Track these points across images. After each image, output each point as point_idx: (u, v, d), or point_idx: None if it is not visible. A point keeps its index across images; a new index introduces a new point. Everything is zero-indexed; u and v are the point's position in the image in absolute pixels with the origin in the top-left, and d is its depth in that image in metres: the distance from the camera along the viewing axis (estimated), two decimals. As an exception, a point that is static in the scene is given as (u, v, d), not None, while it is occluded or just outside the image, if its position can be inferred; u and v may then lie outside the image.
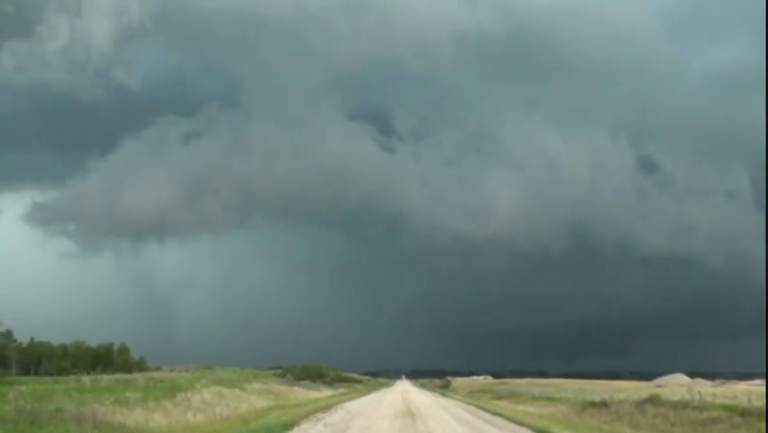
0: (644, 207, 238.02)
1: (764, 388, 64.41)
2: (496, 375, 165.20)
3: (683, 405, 33.35)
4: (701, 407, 31.47)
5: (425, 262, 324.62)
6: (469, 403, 50.93)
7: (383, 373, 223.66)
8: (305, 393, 65.75)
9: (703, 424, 28.05)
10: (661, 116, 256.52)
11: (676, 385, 74.48)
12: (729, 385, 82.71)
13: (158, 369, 74.02)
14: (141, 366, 71.19)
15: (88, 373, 50.27)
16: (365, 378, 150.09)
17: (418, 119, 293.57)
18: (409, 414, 32.92)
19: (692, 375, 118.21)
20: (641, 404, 36.60)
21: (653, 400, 37.16)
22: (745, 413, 27.06)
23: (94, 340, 69.20)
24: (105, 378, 44.25)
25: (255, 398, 46.95)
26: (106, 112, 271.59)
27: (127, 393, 31.54)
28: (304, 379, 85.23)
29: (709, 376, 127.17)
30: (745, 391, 38.47)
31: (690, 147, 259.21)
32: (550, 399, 54.03)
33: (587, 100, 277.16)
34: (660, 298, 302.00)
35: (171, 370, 74.56)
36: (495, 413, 36.14)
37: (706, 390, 48.81)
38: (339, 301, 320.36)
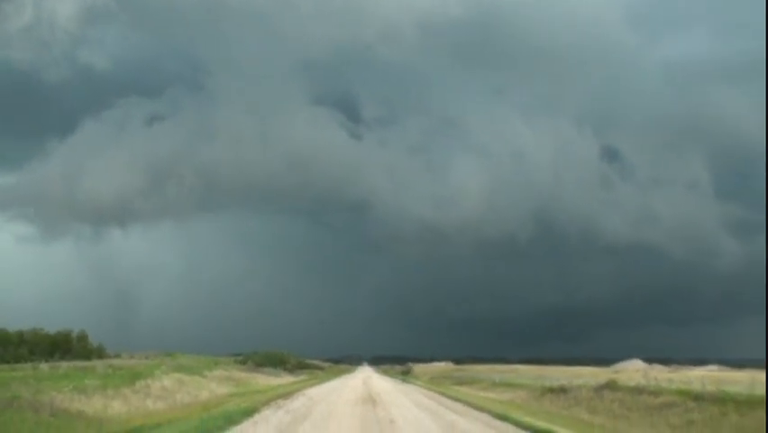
0: (608, 197, 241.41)
1: (719, 374, 65.76)
2: (457, 361, 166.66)
3: (639, 390, 33.93)
4: (657, 392, 32.04)
5: (390, 249, 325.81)
6: (429, 389, 51.31)
7: (345, 360, 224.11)
8: (266, 380, 65.64)
9: (658, 408, 28.57)
10: (623, 106, 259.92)
11: (633, 371, 75.83)
12: (684, 371, 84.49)
13: (117, 356, 73.19)
14: (100, 353, 70.24)
15: (46, 361, 49.55)
16: (327, 365, 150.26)
17: (385, 106, 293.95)
18: (370, 400, 33.06)
19: (649, 361, 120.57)
20: (598, 390, 37.16)
21: (611, 385, 37.75)
22: (698, 398, 27.62)
23: (52, 327, 68.06)
24: (64, 365, 43.65)
25: (216, 385, 46.76)
26: (69, 93, 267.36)
27: (86, 381, 31.22)
28: (265, 366, 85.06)
29: (665, 362, 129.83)
30: (699, 377, 39.30)
31: (651, 137, 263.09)
32: (510, 384, 54.63)
33: (552, 89, 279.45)
34: (621, 286, 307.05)
35: (131, 357, 73.84)
36: (455, 399, 36.46)
37: (662, 375, 49.80)
38: (302, 289, 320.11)
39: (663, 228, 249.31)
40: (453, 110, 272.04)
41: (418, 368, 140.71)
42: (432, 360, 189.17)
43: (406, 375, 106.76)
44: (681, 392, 30.05)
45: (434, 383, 71.04)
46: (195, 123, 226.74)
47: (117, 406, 28.34)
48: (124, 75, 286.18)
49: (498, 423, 22.50)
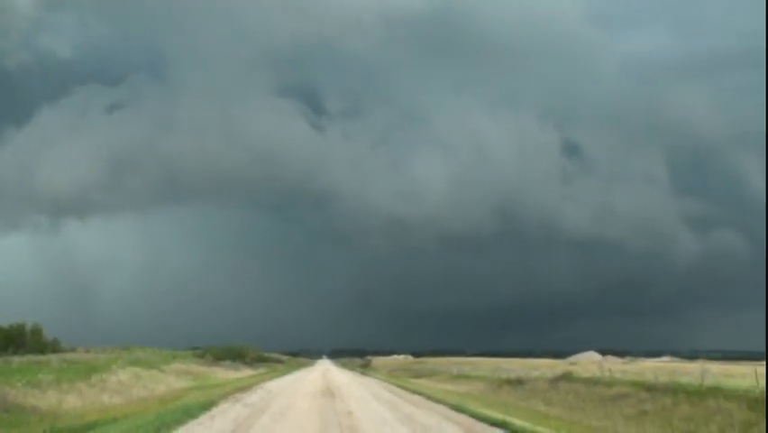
0: (569, 192, 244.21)
1: (671, 365, 67.01)
2: (416, 354, 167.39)
3: (594, 382, 34.55)
4: (611, 383, 32.65)
5: (353, 243, 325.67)
6: (388, 382, 51.51)
7: (304, 353, 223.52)
8: (224, 374, 65.29)
9: (612, 399, 29.11)
10: (584, 101, 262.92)
11: (588, 363, 77.05)
12: (638, 362, 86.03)
13: (73, 350, 72.07)
14: (55, 347, 69.07)
15: (-1, 355, 48.66)
16: (286, 358, 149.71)
17: (349, 98, 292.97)
18: (329, 393, 33.11)
19: (604, 353, 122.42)
20: (554, 381, 37.74)
21: (566, 377, 38.38)
22: (651, 389, 28.20)
23: (5, 320, 66.80)
24: (17, 359, 42.95)
25: (173, 379, 46.41)
26: (28, 79, 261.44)
27: (40, 375, 30.78)
28: (224, 359, 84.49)
29: (620, 354, 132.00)
30: (652, 368, 40.11)
31: (611, 133, 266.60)
32: (467, 377, 55.14)
33: (514, 83, 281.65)
34: (581, 280, 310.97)
35: (87, 351, 72.79)
36: (413, 391, 36.67)
37: (616, 367, 50.64)
38: (263, 282, 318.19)
39: (622, 223, 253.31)
40: (417, 103, 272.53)
41: (377, 361, 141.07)
42: (391, 353, 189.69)
43: (365, 368, 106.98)
44: (635, 383, 30.66)
45: (393, 376, 71.34)
46: (156, 113, 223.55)
47: (72, 401, 28.01)
48: (84, 62, 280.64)
49: (455, 414, 22.72)
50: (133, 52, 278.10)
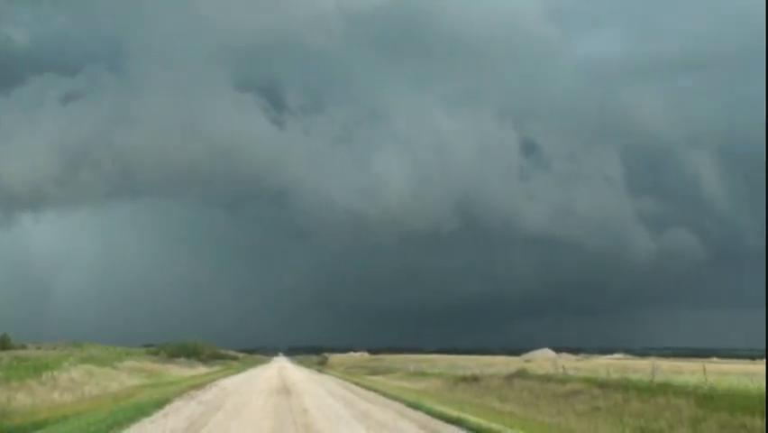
0: (527, 190, 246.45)
1: (624, 362, 68.04)
2: (372, 351, 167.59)
3: (548, 378, 34.94)
4: (564, 380, 33.07)
5: (312, 239, 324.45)
6: (344, 379, 51.51)
7: (260, 350, 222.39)
8: (179, 371, 64.61)
9: (565, 396, 29.47)
10: (541, 100, 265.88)
11: (543, 360, 77.98)
12: (591, 359, 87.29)
13: (23, 347, 70.87)
14: (4, 344, 67.84)
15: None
16: (242, 355, 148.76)
17: (310, 94, 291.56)
18: (285, 390, 33.01)
19: (558, 350, 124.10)
20: (509, 378, 38.08)
21: (521, 374, 38.74)
22: (603, 385, 28.62)
23: (-47, 316, 65.41)
24: (-36, 357, 42.08)
25: (126, 376, 45.78)
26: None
27: (-12, 373, 30.16)
28: (178, 356, 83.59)
29: (574, 351, 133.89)
30: (605, 365, 40.70)
31: (568, 132, 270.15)
32: (424, 374, 55.35)
33: (473, 81, 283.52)
34: (538, 278, 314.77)
35: (38, 348, 71.60)
36: (369, 388, 36.74)
37: (570, 364, 51.37)
38: (219, 279, 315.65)
39: (579, 221, 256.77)
40: (377, 100, 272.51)
41: (334, 358, 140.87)
42: (348, 350, 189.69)
43: (321, 365, 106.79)
44: (588, 380, 31.10)
45: (350, 373, 71.33)
46: (113, 106, 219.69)
47: (22, 398, 27.45)
48: (41, 52, 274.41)
49: (411, 411, 22.82)
50: (91, 43, 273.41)
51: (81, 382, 35.51)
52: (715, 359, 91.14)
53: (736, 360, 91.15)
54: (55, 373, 35.05)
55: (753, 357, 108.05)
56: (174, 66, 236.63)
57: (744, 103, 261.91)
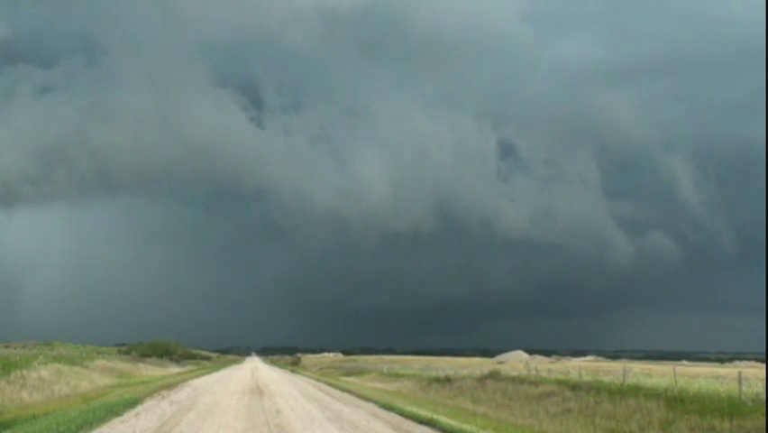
0: (505, 192, 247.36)
1: (596, 364, 68.54)
2: (346, 352, 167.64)
3: (521, 380, 35.14)
4: (537, 382, 33.28)
5: (289, 240, 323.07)
6: (318, 380, 51.42)
7: (233, 351, 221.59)
8: (151, 371, 64.12)
9: (538, 398, 29.68)
10: (518, 103, 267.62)
11: (516, 361, 78.35)
12: (563, 361, 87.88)
13: (-10, 345, 69.93)
14: (-28, 343, 66.96)
15: None
16: (215, 355, 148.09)
17: (288, 93, 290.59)
18: (258, 391, 32.87)
19: (532, 352, 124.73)
20: (482, 380, 38.23)
21: (494, 375, 38.92)
22: (575, 387, 28.86)
23: None
24: (-69, 355, 41.36)
25: (97, 376, 45.34)
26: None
27: (-45, 371, 29.72)
28: (150, 356, 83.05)
29: (547, 353, 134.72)
30: (577, 367, 40.96)
31: (545, 134, 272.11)
32: (397, 375, 55.42)
33: (451, 82, 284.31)
34: (514, 280, 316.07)
35: (6, 346, 70.59)
36: (343, 389, 36.71)
37: (542, 366, 51.66)
38: (193, 278, 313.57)
39: (556, 224, 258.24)
40: (356, 100, 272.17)
41: (307, 359, 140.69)
42: (322, 351, 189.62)
43: (295, 366, 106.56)
44: (560, 382, 31.34)
45: (323, 374, 71.24)
46: (89, 102, 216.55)
47: (-10, 398, 27.11)
48: (16, 42, 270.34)
49: (383, 412, 22.85)
50: (66, 37, 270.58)
51: (51, 382, 35.10)
52: (685, 362, 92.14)
53: (705, 363, 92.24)
54: (24, 371, 34.61)
55: (722, 360, 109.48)
56: (151, 61, 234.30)
57: (716, 107, 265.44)
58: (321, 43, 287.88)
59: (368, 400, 28.43)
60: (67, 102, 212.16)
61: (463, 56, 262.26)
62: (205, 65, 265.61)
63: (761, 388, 21.88)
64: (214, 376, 54.04)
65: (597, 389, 27.12)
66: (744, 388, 21.31)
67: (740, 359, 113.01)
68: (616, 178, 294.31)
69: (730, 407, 19.35)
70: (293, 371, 79.93)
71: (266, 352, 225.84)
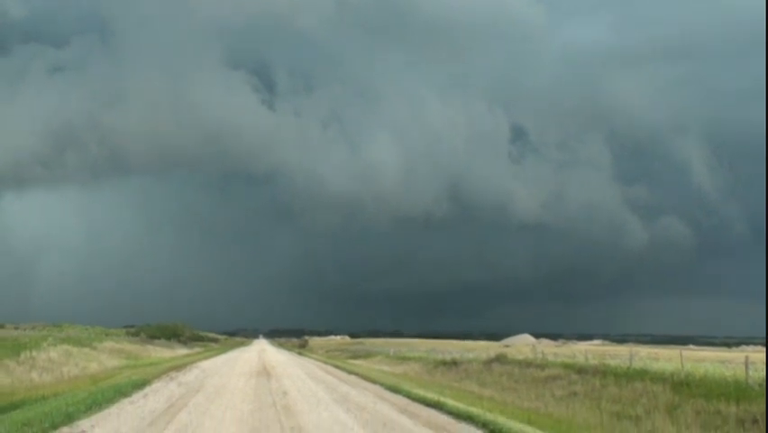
0: (517, 176, 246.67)
1: (602, 348, 68.58)
2: (353, 335, 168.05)
3: (527, 364, 35.23)
4: (543, 365, 33.35)
5: (300, 222, 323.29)
6: (325, 362, 51.60)
7: (241, 333, 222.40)
8: (159, 352, 64.51)
9: (544, 381, 29.75)
10: (530, 86, 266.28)
11: (522, 345, 78.40)
12: (570, 345, 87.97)
13: (2, 327, 70.40)
14: (-18, 324, 67.40)
15: None
16: (222, 337, 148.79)
17: (300, 76, 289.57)
18: (265, 373, 33.03)
19: (538, 336, 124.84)
20: (488, 363, 38.35)
21: (500, 359, 39.02)
22: (581, 370, 28.91)
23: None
24: (-59, 336, 41.75)
25: (106, 357, 45.65)
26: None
27: (-35, 352, 29.97)
28: (158, 338, 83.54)
29: (553, 337, 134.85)
30: (583, 351, 41.00)
31: (558, 118, 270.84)
32: (404, 358, 55.59)
33: (462, 65, 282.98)
34: (526, 265, 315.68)
35: (16, 328, 71.13)
36: (350, 372, 36.83)
37: (549, 349, 51.67)
38: (202, 261, 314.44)
39: (568, 208, 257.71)
40: (368, 83, 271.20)
41: (315, 341, 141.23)
42: (329, 333, 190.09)
43: (302, 348, 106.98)
44: (566, 366, 31.38)
45: (330, 357, 71.51)
46: (101, 84, 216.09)
47: (0, 378, 27.34)
48: (28, 22, 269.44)
49: (390, 395, 22.93)
50: (79, 19, 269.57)
51: (60, 363, 35.38)
52: (692, 346, 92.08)
53: (712, 347, 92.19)
54: (34, 353, 34.90)
55: (729, 345, 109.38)
56: (164, 43, 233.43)
57: (728, 92, 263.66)
58: (332, 26, 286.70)
59: (374, 382, 28.54)
60: (79, 83, 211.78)
61: (475, 39, 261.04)
62: (217, 47, 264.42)
63: (767, 372, 21.90)
64: (222, 358, 54.30)
65: (603, 372, 27.16)
66: (750, 372, 21.32)
67: (747, 343, 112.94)
68: (628, 162, 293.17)
69: (737, 391, 19.37)
70: (300, 353, 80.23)
71: (273, 334, 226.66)
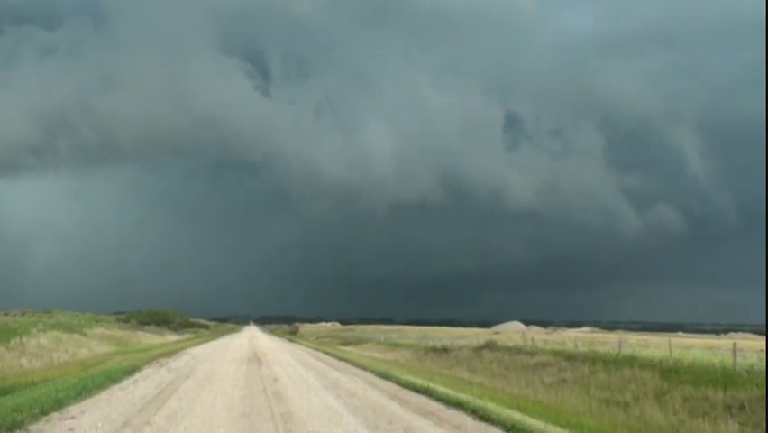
0: (511, 163, 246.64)
1: (591, 335, 68.81)
2: (344, 322, 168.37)
3: (517, 350, 35.36)
4: (533, 352, 33.48)
5: (291, 210, 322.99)
6: (315, 349, 51.70)
7: (231, 319, 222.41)
8: (149, 339, 64.44)
9: (534, 368, 29.88)
10: (524, 73, 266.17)
11: (512, 332, 78.75)
12: (560, 332, 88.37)
13: (-10, 312, 70.19)
14: (-29, 310, 67.13)
15: None
16: (212, 324, 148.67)
17: (295, 63, 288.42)
18: (255, 359, 33.07)
19: (528, 323, 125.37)
20: (478, 350, 38.47)
21: (490, 346, 39.14)
22: (571, 357, 29.04)
23: None
24: (-70, 322, 41.51)
25: (96, 343, 45.57)
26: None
27: (-46, 338, 29.85)
28: (149, 324, 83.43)
29: (543, 324, 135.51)
30: (573, 338, 41.20)
31: (552, 106, 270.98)
32: (394, 345, 55.73)
33: (458, 53, 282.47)
34: (519, 253, 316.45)
35: (5, 314, 70.91)
36: (340, 358, 36.91)
37: (539, 336, 51.91)
38: (193, 248, 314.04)
39: (562, 196, 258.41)
40: (364, 70, 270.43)
41: (306, 328, 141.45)
42: (319, 320, 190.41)
43: (293, 335, 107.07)
44: (556, 353, 31.51)
45: (321, 343, 71.64)
46: (93, 69, 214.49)
47: (-11, 364, 27.26)
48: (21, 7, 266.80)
49: (380, 381, 22.99)
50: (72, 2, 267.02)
51: (50, 349, 35.29)
52: (681, 333, 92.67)
53: (701, 335, 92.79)
54: (23, 338, 34.80)
55: (717, 332, 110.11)
56: (158, 28, 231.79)
57: (720, 80, 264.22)
58: (328, 13, 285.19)
59: (365, 368, 28.61)
60: (71, 67, 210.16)
61: (469, 26, 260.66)
62: (212, 33, 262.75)
63: (755, 359, 22.06)
64: (213, 345, 54.32)
65: (592, 359, 27.28)
66: (738, 359, 21.46)
67: (735, 331, 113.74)
68: (621, 149, 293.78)
69: (724, 378, 19.49)
70: (291, 340, 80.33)
71: (264, 321, 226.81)
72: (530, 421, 13.90)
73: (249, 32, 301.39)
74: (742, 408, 17.14)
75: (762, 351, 28.90)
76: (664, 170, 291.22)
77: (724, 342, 46.37)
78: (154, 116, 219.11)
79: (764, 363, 20.06)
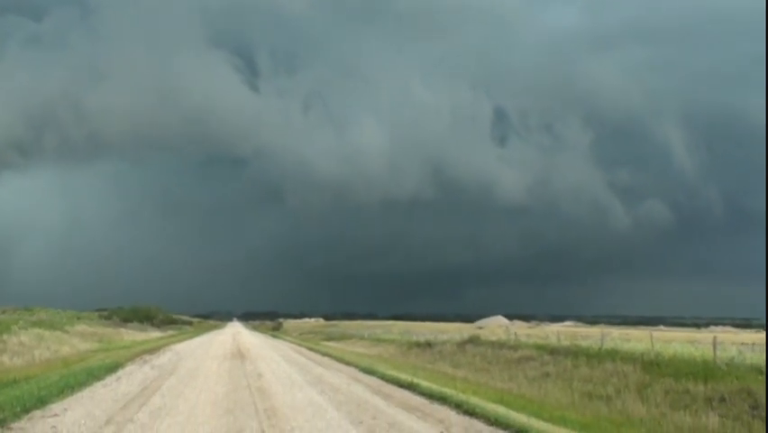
0: (500, 158, 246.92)
1: (574, 329, 69.15)
2: (327, 318, 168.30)
3: (500, 345, 35.51)
4: (516, 346, 33.64)
5: (277, 207, 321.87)
6: (299, 345, 51.68)
7: (214, 316, 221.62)
8: (132, 336, 64.10)
9: (517, 362, 30.02)
10: (513, 69, 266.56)
11: (495, 327, 79.14)
12: (543, 327, 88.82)
13: (-30, 310, 69.52)
14: (-50, 308, 66.49)
15: None
16: (196, 320, 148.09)
17: (284, 57, 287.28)
18: (239, 355, 33.02)
19: (511, 318, 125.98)
20: (462, 344, 38.60)
21: (474, 340, 39.30)
22: (554, 351, 29.22)
23: None
24: None
25: (78, 340, 45.28)
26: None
27: (-65, 336, 29.58)
28: (131, 321, 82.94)
29: (526, 318, 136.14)
30: (555, 332, 41.43)
31: (540, 101, 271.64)
32: (378, 340, 55.81)
33: (445, 48, 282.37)
34: (506, 248, 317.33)
35: (-15, 311, 70.28)
36: (324, 354, 36.93)
37: (522, 331, 52.18)
38: (177, 244, 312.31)
39: (551, 192, 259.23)
40: (353, 64, 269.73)
41: (289, 324, 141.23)
42: (303, 316, 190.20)
43: (276, 331, 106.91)
44: (539, 347, 31.69)
45: (305, 339, 71.58)
46: (79, 62, 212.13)
47: (-30, 362, 27.04)
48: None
49: (364, 376, 23.04)
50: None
51: (31, 346, 35.04)
52: (662, 327, 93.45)
53: (682, 328, 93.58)
54: (4, 336, 34.55)
55: (698, 326, 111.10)
56: (145, 21, 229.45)
57: (704, 75, 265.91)
58: (316, 8, 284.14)
59: (348, 364, 28.64)
60: (57, 61, 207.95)
61: (455, 21, 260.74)
62: (201, 28, 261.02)
63: (735, 352, 22.32)
64: (196, 341, 54.16)
65: (575, 353, 27.47)
66: (718, 352, 21.70)
67: (716, 324, 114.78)
68: (608, 145, 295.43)
69: (705, 371, 19.69)
70: (274, 336, 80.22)
71: (247, 317, 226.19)
72: (513, 415, 13.99)
73: (237, 26, 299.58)
74: (722, 400, 17.32)
75: (742, 344, 29.24)
76: (650, 163, 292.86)
77: (704, 335, 46.82)
78: (141, 110, 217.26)
79: (743, 357, 20.32)
